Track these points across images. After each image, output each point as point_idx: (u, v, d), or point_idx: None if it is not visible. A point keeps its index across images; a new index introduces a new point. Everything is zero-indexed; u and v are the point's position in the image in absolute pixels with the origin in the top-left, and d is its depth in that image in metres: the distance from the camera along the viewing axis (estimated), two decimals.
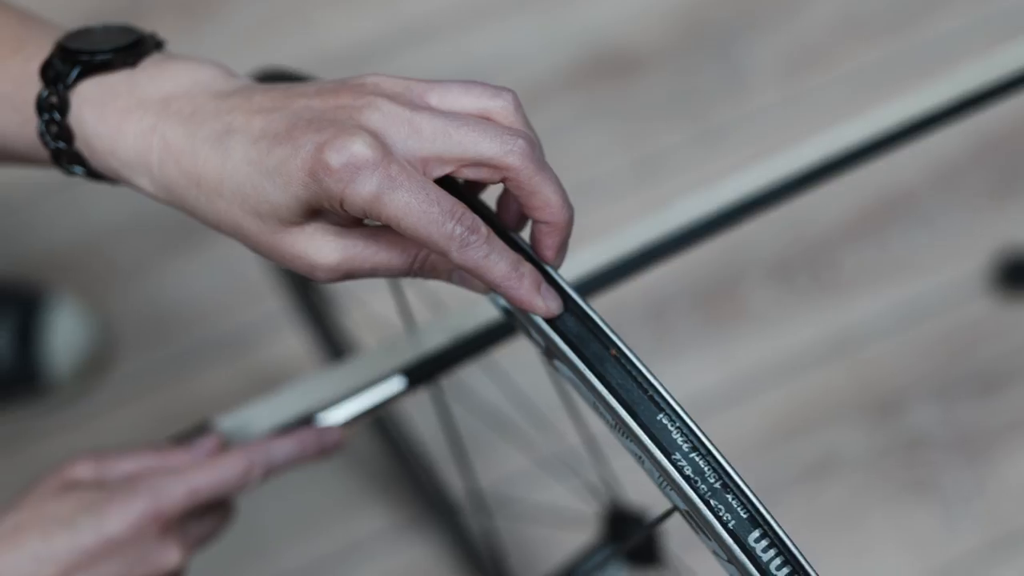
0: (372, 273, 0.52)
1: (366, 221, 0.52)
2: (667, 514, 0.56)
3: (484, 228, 0.49)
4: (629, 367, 0.51)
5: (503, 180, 0.50)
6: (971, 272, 1.45)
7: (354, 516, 1.32)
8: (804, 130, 1.51)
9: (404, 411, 1.30)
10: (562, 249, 0.53)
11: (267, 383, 1.35)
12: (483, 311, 0.72)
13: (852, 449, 1.36)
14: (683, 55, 1.59)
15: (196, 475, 0.63)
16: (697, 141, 1.53)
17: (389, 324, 1.10)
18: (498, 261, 0.50)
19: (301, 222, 0.51)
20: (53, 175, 1.47)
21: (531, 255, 0.53)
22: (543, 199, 0.51)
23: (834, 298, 1.45)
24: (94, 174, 0.58)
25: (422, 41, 1.59)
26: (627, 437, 0.51)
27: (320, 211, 0.51)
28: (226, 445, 0.67)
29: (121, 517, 0.61)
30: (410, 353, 0.71)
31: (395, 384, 0.69)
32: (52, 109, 0.56)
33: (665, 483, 0.50)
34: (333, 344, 1.21)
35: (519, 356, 1.12)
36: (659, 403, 0.50)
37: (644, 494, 0.97)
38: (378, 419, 1.27)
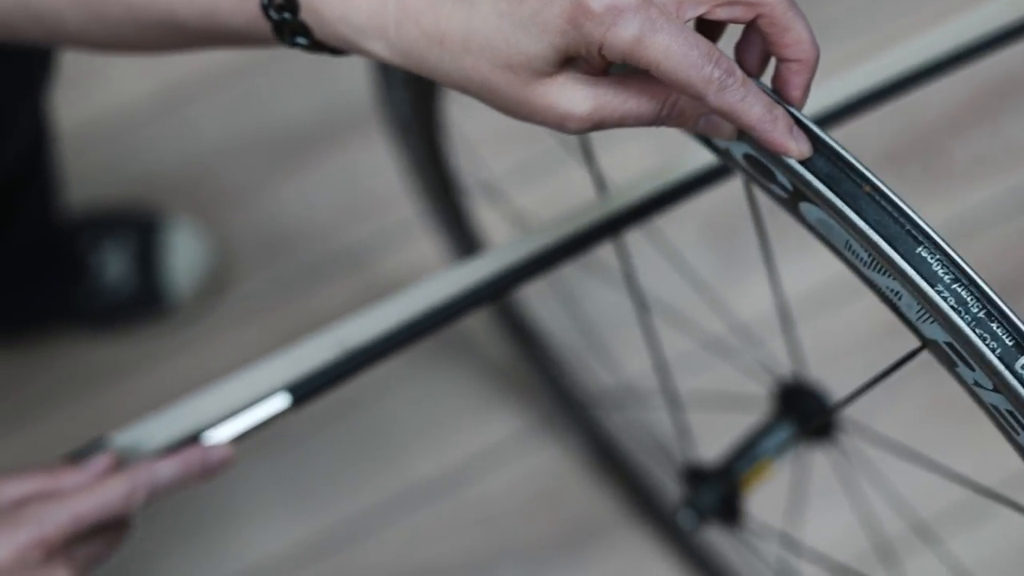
0: (621, 122, 0.52)
1: (612, 69, 0.52)
2: (915, 352, 0.56)
3: (739, 71, 0.49)
4: (884, 203, 0.51)
5: (756, 18, 0.50)
6: None
7: (486, 420, 1.33)
8: (912, 20, 1.49)
9: (532, 304, 1.30)
10: (808, 90, 0.53)
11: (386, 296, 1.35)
12: (376, 321, 0.72)
13: None
14: None
15: (79, 501, 0.64)
16: None
17: (531, 217, 1.10)
18: (754, 104, 0.50)
19: (553, 72, 0.51)
20: (159, 99, 1.48)
21: (775, 99, 0.53)
22: (796, 36, 0.51)
23: (946, 187, 1.44)
24: (318, 45, 0.58)
25: None
26: (885, 273, 0.52)
27: (572, 60, 0.51)
28: (122, 461, 0.68)
29: (5, 547, 0.62)
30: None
31: (279, 401, 0.69)
32: None
33: (927, 316, 0.51)
34: (468, 244, 1.19)
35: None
36: (917, 237, 0.50)
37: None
38: (506, 315, 1.27)
